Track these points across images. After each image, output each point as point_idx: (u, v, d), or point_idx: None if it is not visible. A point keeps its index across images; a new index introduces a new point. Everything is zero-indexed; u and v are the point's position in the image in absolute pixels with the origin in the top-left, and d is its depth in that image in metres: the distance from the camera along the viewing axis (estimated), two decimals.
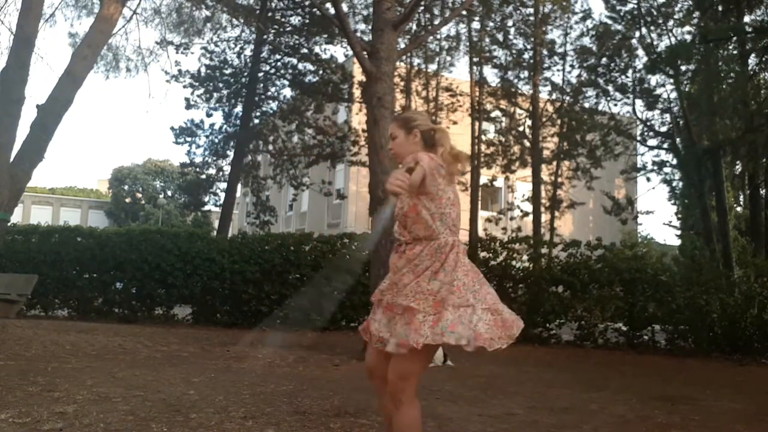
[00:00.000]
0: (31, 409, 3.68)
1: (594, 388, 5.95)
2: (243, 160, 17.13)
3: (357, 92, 17.09)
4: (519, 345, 8.79)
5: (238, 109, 17.20)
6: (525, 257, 11.47)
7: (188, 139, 17.61)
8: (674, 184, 21.45)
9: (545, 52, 18.10)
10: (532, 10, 17.51)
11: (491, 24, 17.73)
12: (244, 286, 11.31)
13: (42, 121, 8.26)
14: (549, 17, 17.65)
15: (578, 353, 9.87)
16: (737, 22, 13.34)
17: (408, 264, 2.41)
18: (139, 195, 52.95)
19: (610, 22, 16.04)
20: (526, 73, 18.45)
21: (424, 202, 2.41)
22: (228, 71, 17.10)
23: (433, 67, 18.78)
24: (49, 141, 8.42)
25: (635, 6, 15.51)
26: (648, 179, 29.32)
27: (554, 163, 18.84)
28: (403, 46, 12.64)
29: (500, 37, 17.77)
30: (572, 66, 18.13)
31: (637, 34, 15.78)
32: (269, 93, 17.89)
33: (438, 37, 17.93)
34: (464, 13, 16.12)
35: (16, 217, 14.65)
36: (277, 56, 17.36)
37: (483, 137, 18.74)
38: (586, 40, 17.23)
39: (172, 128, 17.56)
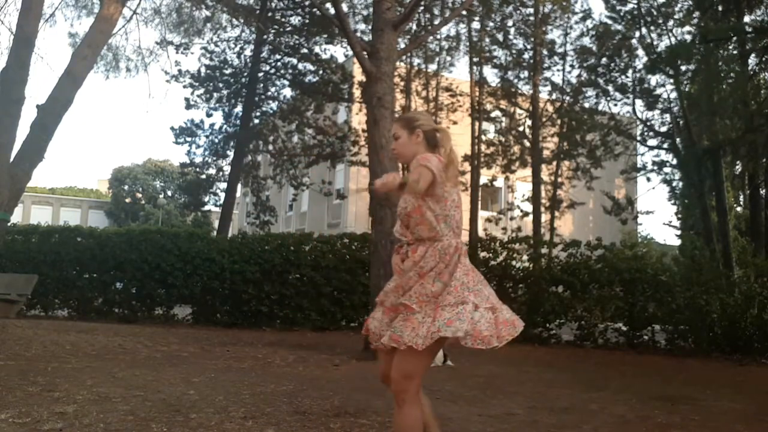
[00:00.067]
0: (31, 409, 3.68)
1: (594, 388, 5.95)
2: (243, 160, 17.14)
3: (357, 92, 17.10)
4: (519, 345, 8.82)
5: (238, 109, 17.22)
6: (525, 257, 11.47)
7: (188, 139, 17.63)
8: (674, 184, 21.47)
9: (545, 52, 18.11)
10: (532, 10, 17.52)
11: (491, 24, 17.74)
12: (244, 286, 11.31)
13: (42, 121, 8.26)
14: (549, 17, 17.66)
15: (578, 353, 9.87)
16: (737, 22, 13.34)
17: (414, 266, 2.42)
18: (139, 195, 52.97)
19: (610, 22, 16.06)
20: (526, 73, 18.47)
21: (429, 203, 2.42)
22: (228, 71, 17.12)
23: (433, 67, 18.80)
24: (49, 141, 8.43)
25: (635, 6, 15.52)
26: (648, 179, 29.39)
27: (554, 163, 18.84)
28: (403, 46, 12.64)
29: (500, 37, 17.78)
30: (572, 66, 18.17)
31: (637, 34, 15.80)
32: (269, 93, 17.91)
33: (438, 37, 17.95)
34: (464, 13, 16.13)
35: (16, 217, 14.65)
36: (277, 56, 17.37)
37: (483, 137, 18.75)
38: (586, 40, 17.27)
39: (172, 128, 17.60)
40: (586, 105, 17.55)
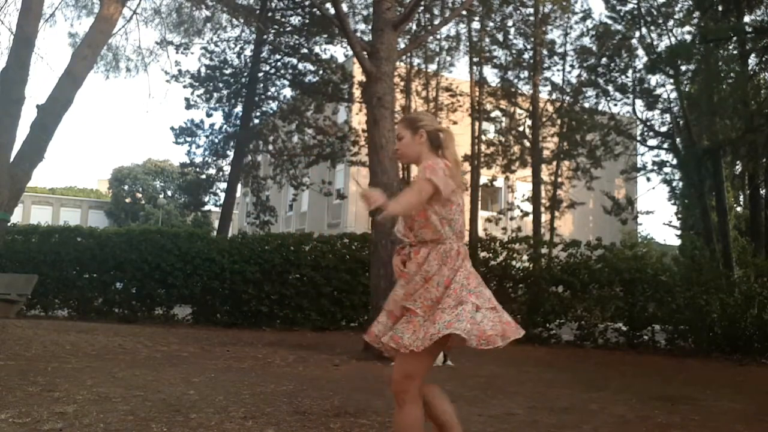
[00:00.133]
0: (31, 409, 3.68)
1: (594, 388, 5.95)
2: (243, 160, 17.13)
3: (357, 92, 17.09)
4: (519, 345, 8.80)
5: (238, 109, 17.22)
6: (525, 257, 11.47)
7: (188, 139, 17.62)
8: (674, 184, 21.48)
9: (545, 52, 18.10)
10: (532, 10, 17.52)
11: (491, 24, 17.73)
12: (244, 286, 11.31)
13: (42, 121, 8.26)
14: (549, 17, 17.65)
15: (578, 353, 9.87)
16: (737, 22, 13.33)
17: (419, 270, 2.43)
18: (139, 195, 52.98)
19: (610, 22, 16.05)
20: (526, 73, 18.46)
21: (435, 207, 2.43)
22: (228, 71, 17.11)
23: (433, 67, 18.79)
24: (49, 141, 8.43)
25: (635, 6, 15.52)
26: (648, 179, 29.40)
27: (554, 163, 18.83)
28: (403, 46, 12.64)
29: (500, 37, 17.77)
30: (572, 66, 18.15)
31: (637, 34, 15.79)
32: (269, 93, 17.91)
33: (438, 37, 17.94)
34: (464, 13, 16.12)
35: (16, 217, 14.65)
36: (277, 56, 17.37)
37: (483, 137, 18.74)
38: (586, 40, 17.26)
39: (172, 128, 17.59)
40: (586, 105, 17.55)
